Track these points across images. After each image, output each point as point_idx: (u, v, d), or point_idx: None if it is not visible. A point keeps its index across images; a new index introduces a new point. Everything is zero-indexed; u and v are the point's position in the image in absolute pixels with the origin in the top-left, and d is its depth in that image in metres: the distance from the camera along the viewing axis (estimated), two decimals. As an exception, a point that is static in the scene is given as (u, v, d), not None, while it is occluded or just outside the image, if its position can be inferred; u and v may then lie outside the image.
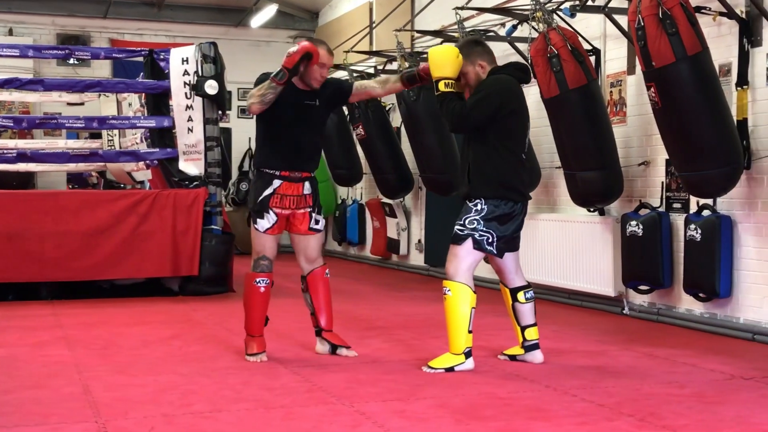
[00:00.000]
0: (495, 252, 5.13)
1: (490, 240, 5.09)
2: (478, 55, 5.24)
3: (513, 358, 5.39)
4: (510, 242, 5.21)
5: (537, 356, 5.33)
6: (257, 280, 5.37)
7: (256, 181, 5.42)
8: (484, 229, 5.07)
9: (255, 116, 5.36)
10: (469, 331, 5.07)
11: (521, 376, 4.97)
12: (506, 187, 5.10)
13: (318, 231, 5.51)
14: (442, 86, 5.17)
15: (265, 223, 5.34)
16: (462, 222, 5.12)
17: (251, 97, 5.20)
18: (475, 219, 5.09)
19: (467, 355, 5.07)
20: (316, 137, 5.52)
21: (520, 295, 5.31)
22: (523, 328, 5.32)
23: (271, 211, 5.34)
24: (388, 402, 4.35)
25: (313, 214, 5.47)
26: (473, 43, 5.35)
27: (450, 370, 5.03)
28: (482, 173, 5.12)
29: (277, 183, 5.33)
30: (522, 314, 5.31)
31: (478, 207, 5.10)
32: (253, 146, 15.43)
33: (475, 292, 5.10)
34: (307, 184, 5.42)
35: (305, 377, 4.91)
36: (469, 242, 5.08)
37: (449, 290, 5.06)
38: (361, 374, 5.00)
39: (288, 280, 8.14)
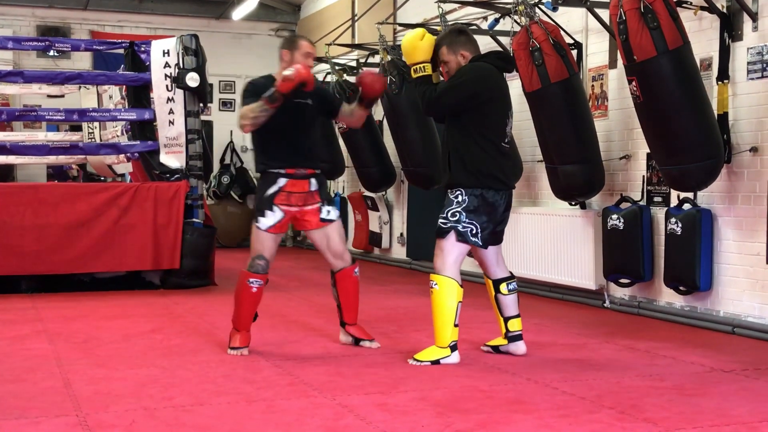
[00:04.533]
0: (480, 244, 5.13)
1: (474, 231, 5.08)
2: (461, 44, 5.24)
3: (496, 349, 5.40)
4: (495, 234, 5.22)
5: (520, 347, 5.34)
6: (250, 280, 5.33)
7: (261, 183, 5.41)
8: (467, 220, 5.07)
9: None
10: (455, 325, 5.07)
11: (502, 369, 4.98)
12: (485, 175, 5.09)
13: (331, 221, 5.47)
14: (412, 73, 5.26)
15: (267, 220, 5.31)
16: (444, 215, 5.12)
17: (243, 117, 5.24)
18: (457, 211, 5.09)
19: (453, 348, 5.08)
20: (313, 135, 5.54)
21: (503, 287, 5.32)
22: (506, 319, 5.33)
23: (276, 208, 5.31)
24: (370, 395, 4.35)
25: (323, 207, 5.45)
26: (456, 33, 5.35)
27: (435, 363, 5.04)
28: (461, 162, 5.12)
29: (282, 181, 5.33)
30: (505, 305, 5.32)
31: (459, 198, 5.09)
32: (235, 139, 15.40)
33: (462, 286, 5.10)
34: (313, 181, 5.43)
35: (287, 370, 4.91)
36: (452, 235, 5.08)
37: (436, 284, 5.06)
38: (343, 367, 5.00)
39: (274, 273, 8.11)
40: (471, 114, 5.11)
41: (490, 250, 5.27)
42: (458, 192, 5.11)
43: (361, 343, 5.61)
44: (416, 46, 5.23)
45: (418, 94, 5.23)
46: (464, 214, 5.07)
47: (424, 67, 5.21)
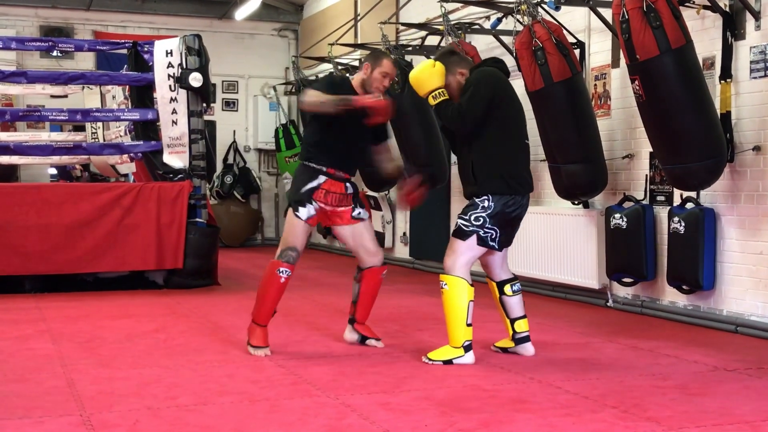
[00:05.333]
0: (497, 247, 5.13)
1: (493, 236, 5.08)
2: (455, 64, 5.23)
3: (504, 350, 5.39)
4: (509, 237, 5.22)
5: (528, 349, 5.33)
6: (281, 269, 5.30)
7: (301, 174, 5.44)
8: (490, 226, 5.06)
9: (310, 115, 5.50)
10: (468, 324, 5.06)
11: (505, 368, 4.98)
12: (514, 179, 5.09)
13: (362, 219, 5.55)
14: (431, 100, 5.17)
15: (306, 211, 5.35)
16: (467, 217, 5.10)
17: (311, 96, 5.25)
18: (481, 216, 5.07)
19: (467, 348, 5.07)
20: (363, 146, 5.63)
21: (507, 288, 5.32)
22: (513, 321, 5.32)
23: (314, 203, 5.37)
24: (372, 394, 4.35)
25: (356, 208, 5.53)
26: (448, 54, 5.35)
27: (448, 362, 5.03)
28: (488, 169, 5.10)
29: (322, 178, 5.38)
30: (510, 307, 5.32)
31: (485, 204, 5.07)
32: (238, 139, 15.38)
33: (472, 285, 5.10)
34: (349, 185, 5.50)
35: (290, 370, 4.91)
36: (473, 239, 5.07)
37: (446, 284, 5.06)
38: (346, 367, 5.01)
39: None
40: (491, 118, 5.09)
41: (498, 253, 5.26)
42: (485, 197, 5.09)
43: (367, 342, 5.63)
44: (431, 73, 5.18)
45: (445, 117, 5.17)
46: (488, 219, 5.06)
47: (441, 92, 5.16)
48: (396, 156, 5.84)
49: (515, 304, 5.32)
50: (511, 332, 5.35)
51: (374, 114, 5.22)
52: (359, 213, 5.54)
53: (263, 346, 5.35)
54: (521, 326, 5.33)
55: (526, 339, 5.34)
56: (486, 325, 6.18)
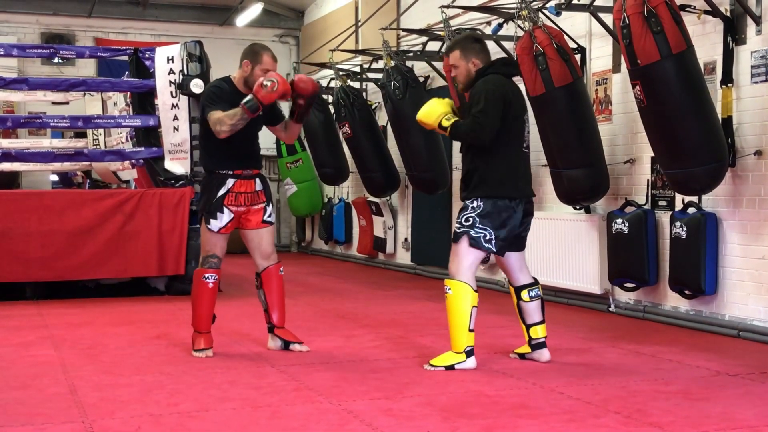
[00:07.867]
0: (494, 250, 5.10)
1: (487, 237, 5.06)
2: (474, 53, 5.21)
3: (522, 356, 5.38)
4: (513, 241, 5.19)
5: (543, 354, 5.31)
6: (206, 275, 5.44)
7: (208, 183, 5.49)
8: (480, 226, 5.05)
9: (200, 122, 5.46)
10: (471, 330, 5.05)
11: (508, 374, 4.98)
12: (501, 184, 5.07)
13: (271, 224, 5.58)
14: (445, 122, 5.13)
15: (218, 222, 5.41)
16: (459, 220, 5.12)
17: (220, 123, 5.22)
18: (471, 216, 5.08)
19: (468, 353, 5.06)
20: (257, 140, 5.66)
21: (524, 293, 5.30)
22: (528, 327, 5.30)
23: (225, 210, 5.41)
24: (375, 400, 4.35)
25: (268, 208, 5.55)
26: (472, 40, 5.33)
27: (450, 368, 5.02)
28: (479, 174, 5.11)
29: (231, 182, 5.42)
30: (527, 312, 5.30)
31: (474, 204, 5.08)
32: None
33: (476, 291, 5.09)
34: (258, 181, 5.52)
35: (292, 376, 4.91)
36: (465, 240, 5.06)
37: (450, 289, 5.05)
38: (348, 373, 5.00)
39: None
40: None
41: (511, 257, 5.25)
42: (474, 199, 5.10)
43: (291, 347, 5.62)
44: (436, 104, 5.19)
45: (463, 135, 5.13)
46: (478, 219, 5.06)
47: (450, 115, 5.14)
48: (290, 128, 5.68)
49: (532, 309, 5.30)
50: (527, 338, 5.34)
51: (284, 94, 5.17)
52: (270, 216, 5.56)
53: (205, 348, 5.49)
54: (537, 332, 5.30)
55: (541, 345, 5.32)
56: (489, 331, 6.17)
